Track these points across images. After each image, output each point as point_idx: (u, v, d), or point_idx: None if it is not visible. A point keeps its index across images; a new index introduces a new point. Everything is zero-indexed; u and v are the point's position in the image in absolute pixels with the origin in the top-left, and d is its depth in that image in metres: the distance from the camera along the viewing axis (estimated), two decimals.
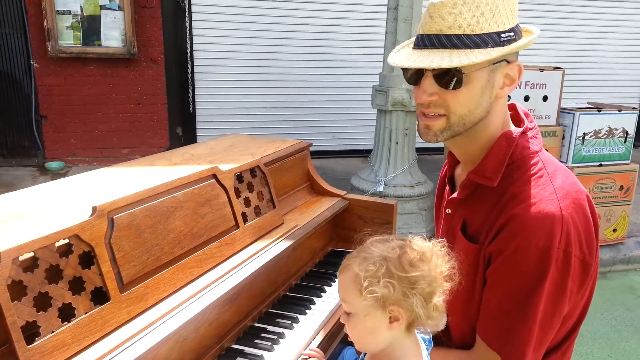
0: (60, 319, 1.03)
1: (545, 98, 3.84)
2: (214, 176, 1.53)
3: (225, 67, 5.66)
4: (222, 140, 2.15)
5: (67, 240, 1.09)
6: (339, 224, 2.15)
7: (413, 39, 1.25)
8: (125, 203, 1.22)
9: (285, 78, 5.87)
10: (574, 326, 1.22)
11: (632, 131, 3.99)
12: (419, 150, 4.41)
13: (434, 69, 1.10)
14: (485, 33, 1.08)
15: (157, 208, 1.30)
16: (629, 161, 4.05)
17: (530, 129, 1.22)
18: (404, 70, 1.21)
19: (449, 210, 1.33)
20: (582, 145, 3.87)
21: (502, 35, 1.09)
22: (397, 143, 3.96)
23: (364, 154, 6.25)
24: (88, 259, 1.11)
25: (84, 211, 1.17)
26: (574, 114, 3.84)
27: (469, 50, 1.07)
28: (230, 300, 1.41)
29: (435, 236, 1.56)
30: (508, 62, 1.14)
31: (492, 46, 1.08)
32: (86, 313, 1.07)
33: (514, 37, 1.11)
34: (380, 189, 3.93)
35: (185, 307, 1.23)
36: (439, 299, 1.04)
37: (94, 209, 1.15)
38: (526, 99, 3.80)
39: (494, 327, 1.14)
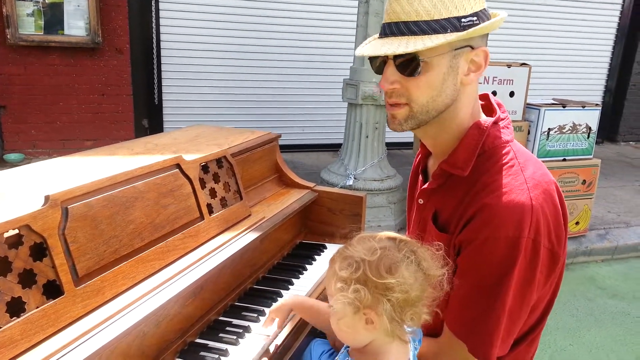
0: (8, 314, 0.97)
1: (512, 94, 3.90)
2: (178, 166, 1.48)
3: (193, 58, 5.55)
4: (188, 131, 2.09)
5: (17, 231, 1.02)
6: (308, 216, 2.12)
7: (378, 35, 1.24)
8: (81, 192, 1.16)
9: (255, 70, 5.80)
10: (540, 317, 1.22)
11: (594, 127, 4.09)
12: (389, 145, 4.43)
13: (395, 57, 1.09)
14: (444, 18, 1.06)
15: (115, 198, 1.24)
16: (591, 156, 4.14)
17: (502, 119, 1.22)
18: (372, 61, 1.19)
19: (421, 201, 1.32)
20: (547, 140, 3.94)
21: (463, 20, 1.08)
22: (367, 137, 3.96)
23: (334, 148, 6.24)
24: (40, 251, 1.05)
25: (36, 201, 1.11)
26: (539, 109, 3.91)
27: (425, 36, 1.06)
28: (193, 293, 1.37)
29: (407, 227, 1.56)
30: (472, 47, 1.12)
31: (450, 31, 1.06)
32: (37, 307, 1.01)
33: (477, 22, 1.09)
34: (350, 182, 3.92)
35: (145, 301, 1.18)
36: (418, 309, 1.01)
37: (47, 198, 1.09)
38: (494, 94, 3.82)
39: (461, 317, 1.13)
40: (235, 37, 5.63)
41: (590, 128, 4.07)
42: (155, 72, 5.42)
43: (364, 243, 1.06)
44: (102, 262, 1.17)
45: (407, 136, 6.16)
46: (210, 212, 1.57)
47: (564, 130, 3.98)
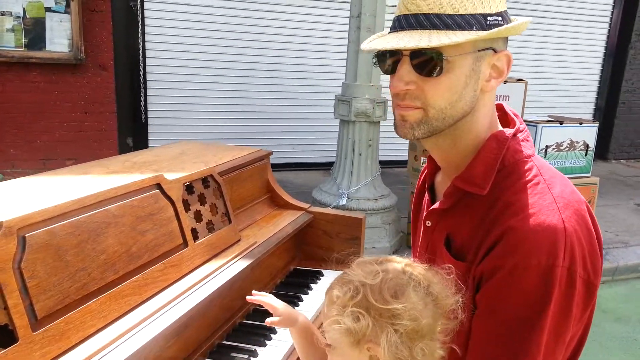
0: None
1: None
2: (158, 186, 1.32)
3: (180, 75, 5.40)
4: (172, 147, 1.93)
5: None
6: (302, 240, 1.96)
7: (388, 30, 1.10)
8: (43, 218, 0.99)
9: (244, 87, 5.67)
10: (572, 356, 1.07)
11: (592, 144, 4.00)
12: (382, 163, 4.29)
13: (412, 54, 0.95)
14: (470, 14, 0.93)
15: (84, 224, 1.07)
16: (589, 174, 4.05)
17: (521, 130, 1.08)
18: (380, 59, 1.05)
19: (429, 223, 1.17)
20: (544, 158, 3.84)
21: (489, 18, 0.95)
22: (360, 154, 3.82)
23: (325, 166, 6.10)
24: None
25: None
26: (536, 126, 3.81)
27: (450, 31, 0.93)
28: (176, 332, 1.19)
29: (412, 253, 1.40)
30: (495, 51, 0.99)
31: (476, 29, 0.93)
32: None
33: (501, 22, 0.97)
34: (343, 202, 3.77)
35: (118, 345, 1.01)
36: (430, 342, 0.86)
37: (0, 225, 0.92)
38: None
39: None
40: (224, 53, 5.50)
41: (587, 145, 3.98)
42: (141, 88, 5.26)
43: (365, 266, 0.91)
44: (67, 300, 0.99)
45: (400, 154, 6.06)
46: (195, 237, 1.40)
47: (562, 148, 3.89)
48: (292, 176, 5.81)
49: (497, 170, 1.02)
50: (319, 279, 1.81)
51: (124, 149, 5.31)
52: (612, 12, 7.29)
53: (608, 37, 7.39)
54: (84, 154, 5.14)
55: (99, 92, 5.04)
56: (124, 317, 1.09)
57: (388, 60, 1.03)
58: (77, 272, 1.02)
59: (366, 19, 3.55)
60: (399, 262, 0.94)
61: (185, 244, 1.35)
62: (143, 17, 5.14)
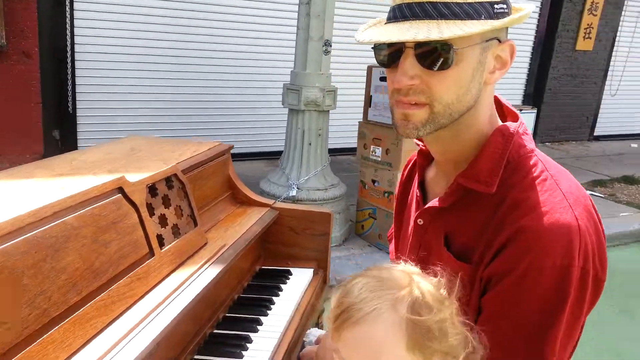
0: None
1: None
2: (120, 190, 1.17)
3: (112, 63, 5.05)
4: (121, 144, 1.75)
5: None
6: (267, 238, 1.85)
7: (382, 17, 1.02)
8: None
9: (181, 75, 5.40)
10: (572, 350, 1.05)
11: (530, 130, 4.13)
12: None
13: (418, 44, 0.88)
14: (477, 2, 0.88)
15: (41, 240, 0.92)
16: None
17: (522, 123, 1.04)
18: (377, 51, 0.97)
19: (420, 221, 1.11)
20: None
21: (496, 6, 0.90)
22: (309, 144, 3.74)
23: (267, 156, 5.97)
24: None
25: None
26: None
27: (459, 20, 0.86)
28: (149, 356, 1.06)
29: (395, 253, 1.35)
30: (500, 41, 0.94)
31: (485, 17, 0.88)
32: None
33: (507, 10, 0.92)
34: (293, 193, 3.68)
35: None
36: None
37: None
38: None
39: None
40: (161, 39, 5.20)
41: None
42: (69, 78, 4.87)
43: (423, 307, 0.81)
44: (26, 331, 0.84)
45: (343, 142, 6.04)
46: (162, 245, 1.27)
47: None
48: (234, 167, 5.64)
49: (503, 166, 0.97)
50: (288, 279, 1.72)
51: (50, 143, 4.92)
52: (542, 2, 7.60)
53: (538, 26, 7.71)
54: (6, 149, 4.72)
55: (21, 82, 4.62)
56: (90, 343, 0.95)
57: (386, 51, 0.95)
58: (35, 298, 0.87)
59: (316, 6, 3.45)
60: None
61: (151, 252, 1.22)
62: (72, 2, 4.74)
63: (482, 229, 0.96)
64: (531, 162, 0.97)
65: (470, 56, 0.90)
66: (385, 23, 0.96)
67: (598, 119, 8.76)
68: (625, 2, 8.15)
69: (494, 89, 1.02)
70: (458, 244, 1.02)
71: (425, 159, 1.17)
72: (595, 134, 8.82)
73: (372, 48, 0.98)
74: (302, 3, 3.49)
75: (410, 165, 1.30)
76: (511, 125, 1.00)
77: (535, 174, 0.95)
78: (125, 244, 1.13)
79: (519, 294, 0.89)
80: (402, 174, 1.32)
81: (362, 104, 3.75)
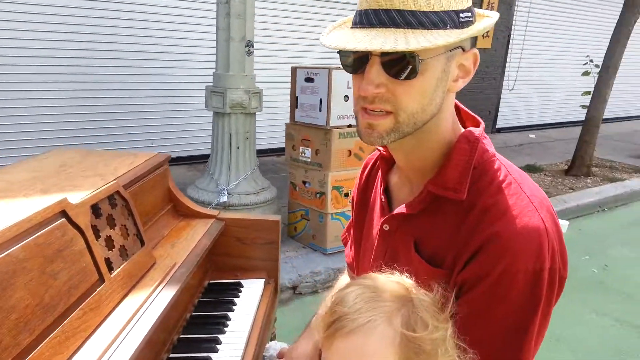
0: None
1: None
2: (64, 213, 1.06)
3: (11, 66, 4.61)
4: (47, 159, 1.59)
5: None
6: (213, 250, 1.76)
7: (348, 17, 1.00)
8: None
9: (91, 79, 5.04)
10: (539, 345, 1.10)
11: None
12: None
13: (384, 53, 0.87)
14: (444, 11, 0.88)
15: None
16: None
17: (483, 127, 1.07)
18: (342, 55, 0.95)
19: (386, 227, 1.11)
20: None
21: (461, 15, 0.91)
22: (238, 148, 3.65)
23: (187, 161, 5.78)
24: None
25: None
26: None
27: (426, 30, 0.86)
28: None
29: (354, 254, 1.34)
30: (463, 49, 0.96)
31: (450, 27, 0.89)
32: None
33: (472, 19, 0.94)
34: (224, 199, 3.58)
35: None
36: None
37: None
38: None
39: None
40: (73, 41, 4.81)
41: None
42: None
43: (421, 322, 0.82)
44: None
45: (267, 143, 5.97)
46: (110, 269, 1.17)
47: None
48: None
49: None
50: (240, 292, 1.66)
51: None
52: None
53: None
54: None
55: None
56: None
57: (351, 57, 0.93)
58: None
59: (236, 6, 3.36)
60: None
61: (101, 279, 1.11)
62: None
63: (453, 234, 0.98)
64: (495, 167, 1.00)
65: (435, 66, 0.90)
66: (352, 27, 0.94)
67: (499, 113, 9.38)
68: (516, 1, 8.77)
69: (454, 96, 1.04)
70: (429, 249, 1.02)
71: (386, 164, 1.18)
72: (497, 126, 9.44)
73: (337, 52, 0.96)
74: (220, 3, 3.39)
75: (368, 169, 1.30)
76: (475, 130, 1.02)
77: (500, 179, 0.98)
78: (75, 273, 1.03)
79: (493, 298, 0.91)
80: (360, 178, 1.32)
81: (286, 104, 3.71)
